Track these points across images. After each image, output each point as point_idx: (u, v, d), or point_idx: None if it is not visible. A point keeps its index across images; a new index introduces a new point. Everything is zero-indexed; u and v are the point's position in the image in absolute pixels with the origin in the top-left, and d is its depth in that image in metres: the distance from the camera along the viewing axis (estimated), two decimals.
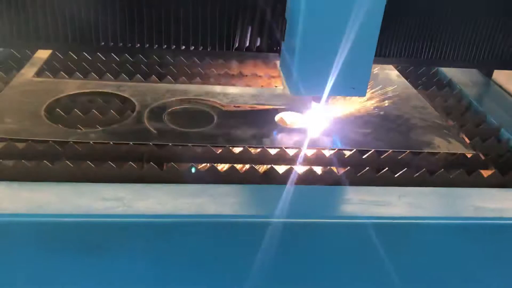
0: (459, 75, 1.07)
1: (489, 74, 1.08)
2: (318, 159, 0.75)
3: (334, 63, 0.64)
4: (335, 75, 0.65)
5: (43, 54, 1.01)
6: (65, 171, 0.67)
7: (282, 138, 0.77)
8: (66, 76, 0.93)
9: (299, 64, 0.65)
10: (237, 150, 0.74)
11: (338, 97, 0.91)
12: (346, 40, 0.63)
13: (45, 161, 0.67)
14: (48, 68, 0.97)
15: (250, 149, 0.74)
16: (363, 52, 0.65)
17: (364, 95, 0.69)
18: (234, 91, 0.91)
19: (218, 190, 0.64)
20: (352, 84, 0.66)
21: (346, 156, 0.76)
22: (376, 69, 1.05)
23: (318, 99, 0.72)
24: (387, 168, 0.71)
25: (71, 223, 0.59)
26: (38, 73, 0.93)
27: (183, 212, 0.60)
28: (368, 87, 0.70)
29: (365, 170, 0.71)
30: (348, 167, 0.71)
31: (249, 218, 0.61)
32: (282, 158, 0.74)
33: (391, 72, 1.06)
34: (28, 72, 0.93)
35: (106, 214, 0.59)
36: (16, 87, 0.87)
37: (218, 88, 0.92)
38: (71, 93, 0.87)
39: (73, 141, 0.72)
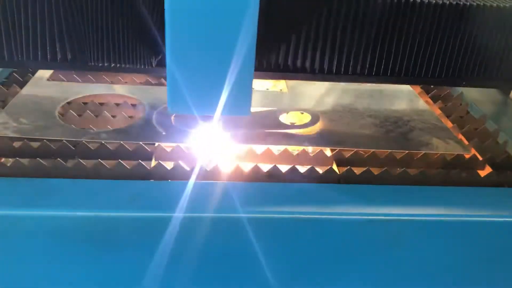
0: None
1: None
2: (318, 158, 0.78)
3: (208, 80, 0.62)
4: (211, 93, 0.63)
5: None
6: (78, 168, 0.70)
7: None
8: (79, 80, 0.97)
9: (171, 81, 0.62)
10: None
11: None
12: (216, 54, 0.61)
13: (59, 159, 0.70)
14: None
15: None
16: (240, 68, 0.62)
17: (248, 114, 0.65)
18: None
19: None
20: (233, 103, 0.64)
21: (346, 157, 0.79)
22: None
23: (207, 118, 0.71)
24: (385, 168, 0.74)
25: (86, 217, 0.62)
26: (53, 76, 0.97)
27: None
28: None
29: (363, 170, 0.74)
30: (348, 167, 0.74)
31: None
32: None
33: None
34: (43, 74, 0.97)
35: (118, 209, 0.63)
36: (31, 89, 0.91)
37: None
38: (84, 95, 0.90)
39: (85, 141, 0.76)
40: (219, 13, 0.60)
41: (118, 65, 0.74)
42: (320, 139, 0.81)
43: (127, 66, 0.74)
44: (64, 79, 0.97)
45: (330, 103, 0.94)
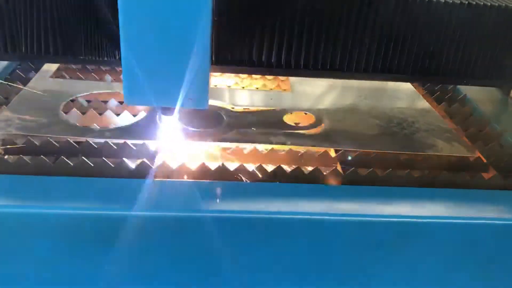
0: None
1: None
2: (322, 159, 0.78)
3: (162, 72, 0.61)
4: (167, 85, 0.62)
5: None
6: (81, 167, 0.70)
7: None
8: (82, 77, 0.97)
9: (126, 71, 0.61)
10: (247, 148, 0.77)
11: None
12: (171, 46, 0.60)
13: (62, 157, 0.70)
14: (65, 69, 1.01)
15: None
16: (195, 59, 0.61)
17: (204, 106, 0.64)
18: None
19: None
20: (189, 95, 0.62)
21: (351, 158, 0.78)
22: None
23: (167, 111, 0.70)
24: (390, 169, 0.74)
25: (89, 216, 0.62)
26: (56, 73, 0.97)
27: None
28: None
29: (369, 170, 0.73)
30: (352, 168, 0.73)
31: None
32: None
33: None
34: (46, 72, 0.97)
35: (122, 208, 0.62)
36: (34, 87, 0.91)
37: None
38: (88, 93, 0.90)
39: (89, 139, 0.75)
40: (173, 3, 0.59)
41: (81, 57, 0.73)
42: (324, 139, 0.80)
43: (91, 58, 0.73)
44: (68, 76, 0.97)
45: (333, 103, 0.94)
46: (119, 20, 0.61)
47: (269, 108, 0.89)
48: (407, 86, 1.05)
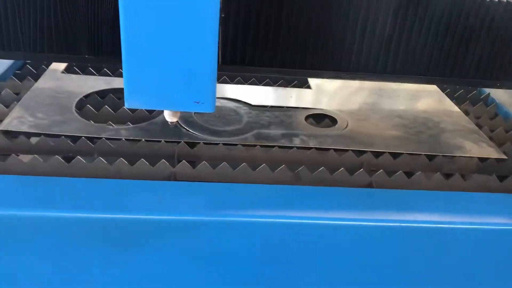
0: None
1: None
2: (346, 161, 0.75)
3: (166, 72, 0.58)
4: (171, 88, 0.59)
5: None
6: (98, 167, 0.67)
7: None
8: (95, 73, 0.94)
9: (128, 74, 0.58)
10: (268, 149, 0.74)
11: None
12: (175, 45, 0.57)
13: (78, 157, 0.67)
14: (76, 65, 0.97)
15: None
16: (201, 61, 0.58)
17: (212, 110, 0.61)
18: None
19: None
20: (195, 98, 0.60)
21: (376, 159, 0.75)
22: None
23: (172, 116, 0.67)
24: (419, 172, 0.71)
25: (104, 219, 0.59)
26: (67, 69, 0.94)
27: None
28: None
29: (397, 173, 0.70)
30: (381, 170, 0.70)
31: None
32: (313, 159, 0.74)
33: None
34: (58, 67, 0.94)
35: (140, 211, 0.59)
36: (46, 82, 0.87)
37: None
38: (101, 89, 0.87)
39: (105, 138, 0.72)
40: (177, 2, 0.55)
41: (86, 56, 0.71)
42: (348, 140, 0.77)
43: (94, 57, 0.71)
44: (80, 72, 0.94)
45: (356, 102, 0.90)
46: (119, 18, 0.57)
47: (290, 107, 0.86)
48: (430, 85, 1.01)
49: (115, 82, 0.90)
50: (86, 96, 0.85)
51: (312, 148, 0.74)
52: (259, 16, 0.70)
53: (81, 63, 0.89)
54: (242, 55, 0.74)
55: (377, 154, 0.75)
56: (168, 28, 0.57)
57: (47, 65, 0.95)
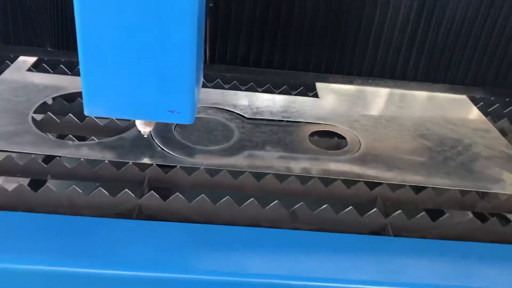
0: None
1: None
2: (357, 194, 0.61)
3: (135, 75, 0.47)
4: (140, 93, 0.48)
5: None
6: (46, 196, 0.54)
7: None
8: (67, 71, 0.80)
9: (86, 75, 0.48)
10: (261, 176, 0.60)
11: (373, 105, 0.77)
12: (145, 43, 0.46)
13: (21, 183, 0.54)
14: (47, 60, 0.84)
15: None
16: (177, 59, 0.47)
17: (190, 121, 0.51)
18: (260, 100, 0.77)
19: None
20: (169, 107, 0.49)
21: (395, 192, 0.61)
22: None
23: (144, 127, 0.57)
24: (447, 214, 0.56)
25: (39, 272, 0.46)
26: (35, 66, 0.81)
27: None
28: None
29: (420, 215, 0.56)
30: (399, 211, 0.56)
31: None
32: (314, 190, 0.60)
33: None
34: (24, 63, 0.80)
35: (83, 263, 0.46)
36: (5, 83, 0.74)
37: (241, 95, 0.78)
38: (68, 92, 0.73)
39: (60, 156, 0.59)
40: None
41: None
42: (359, 167, 0.63)
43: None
44: (50, 70, 0.81)
45: (370, 114, 0.76)
46: (74, 6, 0.45)
47: (291, 121, 0.72)
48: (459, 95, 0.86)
49: None
50: (54, 99, 0.72)
51: (314, 177, 0.60)
52: (256, 7, 0.58)
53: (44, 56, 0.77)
54: (233, 53, 0.62)
55: (395, 187, 0.61)
56: (135, 17, 0.45)
57: (13, 60, 0.82)
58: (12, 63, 0.81)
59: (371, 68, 0.74)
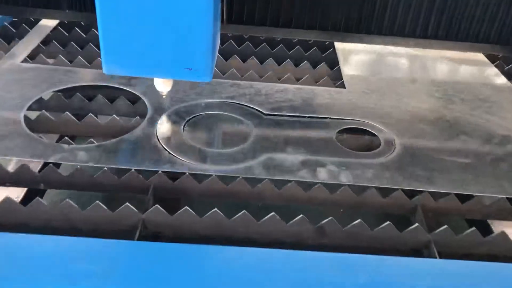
0: None
1: None
2: (397, 205, 0.53)
3: (152, 32, 0.46)
4: (157, 50, 0.47)
5: (41, 31, 0.82)
6: (37, 211, 0.47)
7: None
8: (67, 62, 0.73)
9: (104, 32, 0.47)
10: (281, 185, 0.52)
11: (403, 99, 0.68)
12: (163, 6, 0.45)
13: (8, 196, 0.47)
14: (45, 49, 0.77)
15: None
16: (194, 16, 0.45)
17: (208, 79, 0.49)
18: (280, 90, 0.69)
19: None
20: (187, 64, 0.48)
21: (437, 201, 0.53)
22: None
23: (162, 86, 0.55)
24: (501, 231, 0.48)
25: None
26: (31, 56, 0.73)
27: None
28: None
29: (469, 230, 0.48)
30: (445, 226, 0.48)
31: None
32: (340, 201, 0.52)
33: (488, 70, 0.80)
34: (17, 55, 0.73)
35: None
36: None
37: (259, 86, 0.69)
38: (66, 87, 0.66)
39: (54, 163, 0.52)
40: None
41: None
42: (396, 172, 0.54)
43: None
44: (48, 61, 0.73)
45: (404, 105, 0.67)
46: None
47: (316, 116, 0.63)
48: (500, 78, 0.77)
49: (88, 76, 0.69)
50: (45, 96, 0.64)
51: (344, 185, 0.52)
52: None
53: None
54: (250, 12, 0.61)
55: (438, 195, 0.53)
56: None
57: (7, 50, 0.75)
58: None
59: (391, 26, 0.68)
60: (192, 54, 0.47)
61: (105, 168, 0.52)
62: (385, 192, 0.53)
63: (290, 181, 0.52)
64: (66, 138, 0.57)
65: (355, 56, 0.81)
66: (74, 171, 0.52)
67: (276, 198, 0.52)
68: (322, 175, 0.53)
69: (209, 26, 0.46)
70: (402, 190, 0.53)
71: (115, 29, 0.46)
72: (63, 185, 0.52)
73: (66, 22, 0.84)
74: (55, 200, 0.52)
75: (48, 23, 0.84)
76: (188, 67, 0.48)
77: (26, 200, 0.50)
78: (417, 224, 0.48)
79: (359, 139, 0.61)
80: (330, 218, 0.47)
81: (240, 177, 0.52)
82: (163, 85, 0.55)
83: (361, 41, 0.68)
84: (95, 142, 0.55)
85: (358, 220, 0.47)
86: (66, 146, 0.55)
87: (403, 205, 0.53)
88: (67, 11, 0.69)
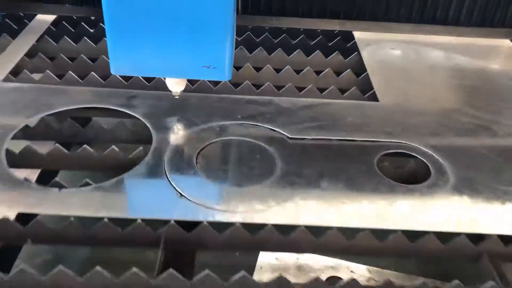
0: None
1: None
2: (457, 250, 0.44)
3: (164, 27, 0.43)
4: (170, 46, 0.44)
5: (26, 40, 0.71)
6: (20, 280, 0.38)
7: None
8: (55, 77, 0.63)
9: (111, 35, 0.44)
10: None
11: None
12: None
13: None
14: (30, 64, 0.67)
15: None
16: (212, 13, 0.43)
17: (226, 77, 0.46)
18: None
19: None
20: (204, 61, 0.45)
21: (507, 246, 0.44)
22: None
23: (176, 86, 0.51)
24: None
25: None
26: (15, 73, 0.64)
27: None
28: None
29: None
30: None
31: None
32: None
33: None
34: (1, 68, 0.64)
35: None
36: None
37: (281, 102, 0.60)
38: (55, 110, 0.56)
39: (42, 215, 0.43)
40: None
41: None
42: (455, 211, 0.45)
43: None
44: (34, 77, 0.63)
45: (451, 123, 0.58)
46: None
47: (343, 139, 0.54)
48: None
49: (79, 95, 0.59)
50: (28, 124, 0.55)
51: (396, 231, 0.43)
52: None
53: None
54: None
55: (508, 239, 0.44)
56: None
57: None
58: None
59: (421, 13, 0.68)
60: (210, 49, 0.44)
61: (105, 219, 0.42)
62: (443, 236, 0.44)
63: (330, 227, 0.43)
64: (57, 180, 0.47)
65: (379, 51, 0.73)
66: (68, 224, 0.43)
67: (315, 249, 0.43)
68: (367, 217, 0.44)
69: (230, 18, 0.43)
70: (466, 234, 0.44)
71: (124, 22, 0.43)
72: (55, 240, 0.43)
73: (54, 29, 0.75)
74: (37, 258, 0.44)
75: (36, 28, 0.74)
76: (206, 65, 0.45)
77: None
78: (492, 283, 0.39)
79: (403, 166, 0.52)
80: (388, 279, 0.38)
81: (270, 225, 0.43)
82: (176, 85, 0.51)
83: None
84: (90, 182, 0.46)
85: (421, 282, 0.38)
86: (56, 190, 0.45)
87: (467, 252, 0.44)
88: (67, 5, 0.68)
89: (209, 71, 0.46)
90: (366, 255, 0.44)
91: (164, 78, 0.51)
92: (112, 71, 0.46)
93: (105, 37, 0.44)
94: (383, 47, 0.74)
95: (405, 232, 0.43)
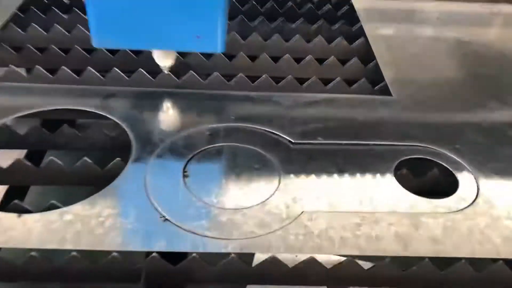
0: None
1: None
2: (492, 278, 0.37)
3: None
4: (157, 15, 0.42)
5: None
6: None
7: None
8: (20, 72, 0.55)
9: (93, 3, 0.42)
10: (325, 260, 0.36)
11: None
12: None
13: None
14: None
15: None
16: None
17: (219, 49, 0.44)
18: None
19: None
20: (195, 31, 0.43)
21: None
22: None
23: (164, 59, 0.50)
24: None
25: None
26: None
27: None
28: None
29: None
30: None
31: None
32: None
33: None
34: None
35: None
36: None
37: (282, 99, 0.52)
38: (20, 114, 0.48)
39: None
40: None
41: None
42: (487, 229, 0.39)
43: None
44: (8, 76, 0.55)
45: (475, 122, 0.51)
46: None
47: (350, 143, 0.47)
48: None
49: (49, 94, 0.51)
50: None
51: (423, 258, 0.36)
52: None
53: None
54: None
55: None
56: None
57: None
58: None
59: None
60: (201, 17, 0.42)
61: (74, 253, 0.35)
62: (477, 263, 0.37)
63: (344, 256, 0.36)
64: (16, 201, 0.39)
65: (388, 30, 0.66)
66: (29, 258, 0.35)
67: (327, 281, 0.36)
68: (388, 242, 0.37)
69: None
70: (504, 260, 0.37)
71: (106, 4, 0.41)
72: (16, 277, 0.36)
73: (22, 15, 0.66)
74: None
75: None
76: (197, 35, 0.43)
77: None
78: None
79: (425, 176, 0.45)
80: None
81: (272, 255, 0.36)
82: (164, 59, 0.49)
83: None
84: (57, 204, 0.39)
85: None
86: (15, 216, 0.38)
87: (505, 280, 0.37)
88: None
89: (200, 42, 0.43)
90: (386, 286, 0.37)
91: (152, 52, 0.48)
92: (94, 44, 0.43)
93: (83, 15, 0.41)
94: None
95: (433, 260, 0.37)
